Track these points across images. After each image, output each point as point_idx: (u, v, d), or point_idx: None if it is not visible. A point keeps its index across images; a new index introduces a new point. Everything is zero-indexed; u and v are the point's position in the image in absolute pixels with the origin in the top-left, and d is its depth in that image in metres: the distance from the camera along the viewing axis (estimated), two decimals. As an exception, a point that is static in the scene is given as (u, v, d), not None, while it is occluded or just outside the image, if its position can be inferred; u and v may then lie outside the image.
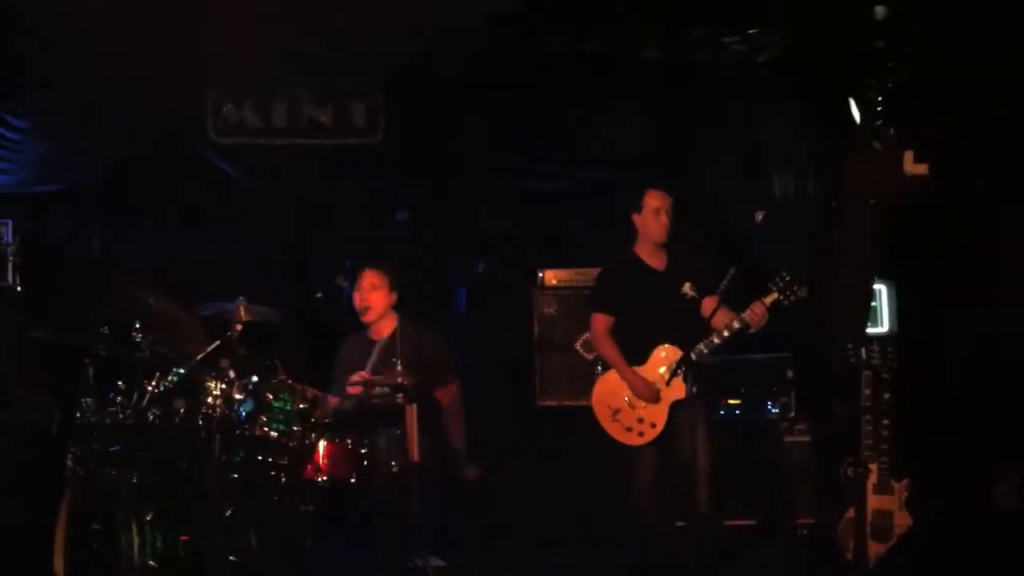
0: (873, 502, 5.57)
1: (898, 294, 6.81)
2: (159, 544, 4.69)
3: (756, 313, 5.14)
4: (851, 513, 5.58)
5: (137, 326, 5.04)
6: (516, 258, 6.88)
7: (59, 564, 4.85)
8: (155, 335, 5.09)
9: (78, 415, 5.00)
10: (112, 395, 5.00)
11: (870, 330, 6.63)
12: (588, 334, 6.49)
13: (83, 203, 6.70)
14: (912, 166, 6.27)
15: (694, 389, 5.16)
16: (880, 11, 6.23)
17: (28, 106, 6.46)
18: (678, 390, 5.21)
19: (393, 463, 5.12)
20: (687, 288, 5.26)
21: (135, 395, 4.97)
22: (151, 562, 4.65)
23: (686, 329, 5.24)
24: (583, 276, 6.65)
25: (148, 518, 4.69)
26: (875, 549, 5.55)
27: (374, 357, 5.40)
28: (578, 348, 6.60)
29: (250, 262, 6.78)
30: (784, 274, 5.19)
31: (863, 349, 5.60)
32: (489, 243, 6.97)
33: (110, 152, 6.57)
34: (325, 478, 5.07)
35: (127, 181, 6.69)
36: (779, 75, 6.87)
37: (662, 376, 5.25)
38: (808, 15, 6.40)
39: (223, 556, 4.74)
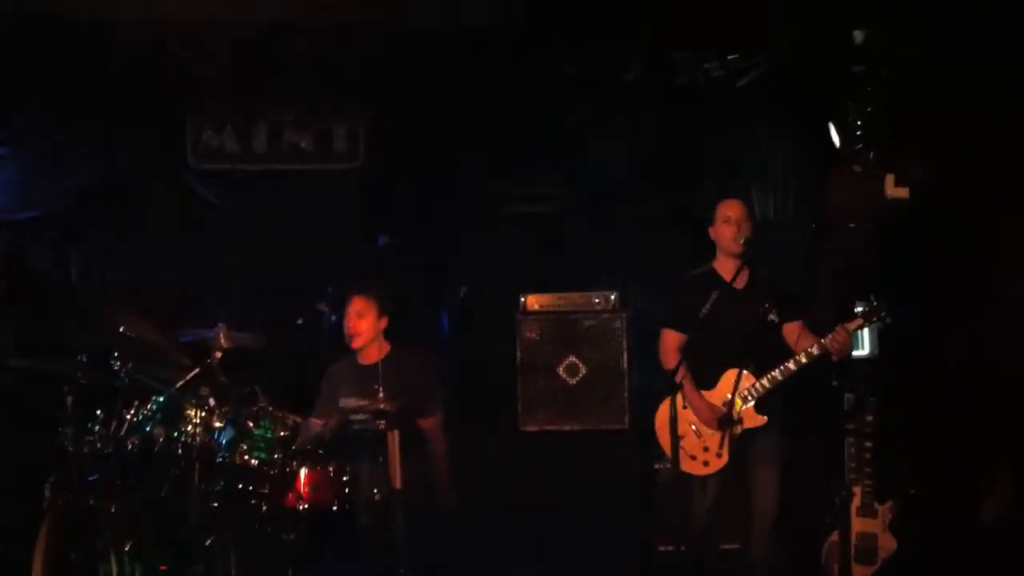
0: (857, 525, 5.56)
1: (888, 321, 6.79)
2: (138, 574, 4.62)
3: (838, 340, 4.97)
4: (835, 536, 5.57)
5: (116, 353, 4.99)
6: (500, 282, 6.86)
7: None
8: (134, 362, 5.05)
9: (56, 443, 4.94)
10: (91, 423, 4.95)
11: (853, 353, 6.61)
12: (572, 358, 6.54)
13: (63, 229, 6.66)
14: (893, 190, 6.28)
15: (766, 419, 4.97)
16: (858, 35, 6.25)
17: (5, 132, 6.41)
18: (749, 418, 5.01)
19: (376, 490, 5.07)
20: (766, 311, 5.02)
21: (114, 423, 4.92)
22: (130, 592, 4.59)
23: (761, 353, 5.02)
24: (565, 301, 6.64)
25: (127, 548, 4.64)
26: (859, 572, 5.53)
27: (359, 383, 5.36)
28: (560, 372, 6.59)
29: (231, 288, 6.74)
30: (872, 299, 5.04)
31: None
32: (472, 267, 6.95)
33: (89, 178, 6.53)
34: (307, 506, 5.02)
35: (107, 207, 6.66)
36: (759, 99, 6.89)
37: (731, 402, 5.00)
38: (787, 40, 6.42)
39: (202, 585, 4.69)
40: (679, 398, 4.92)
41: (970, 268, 6.39)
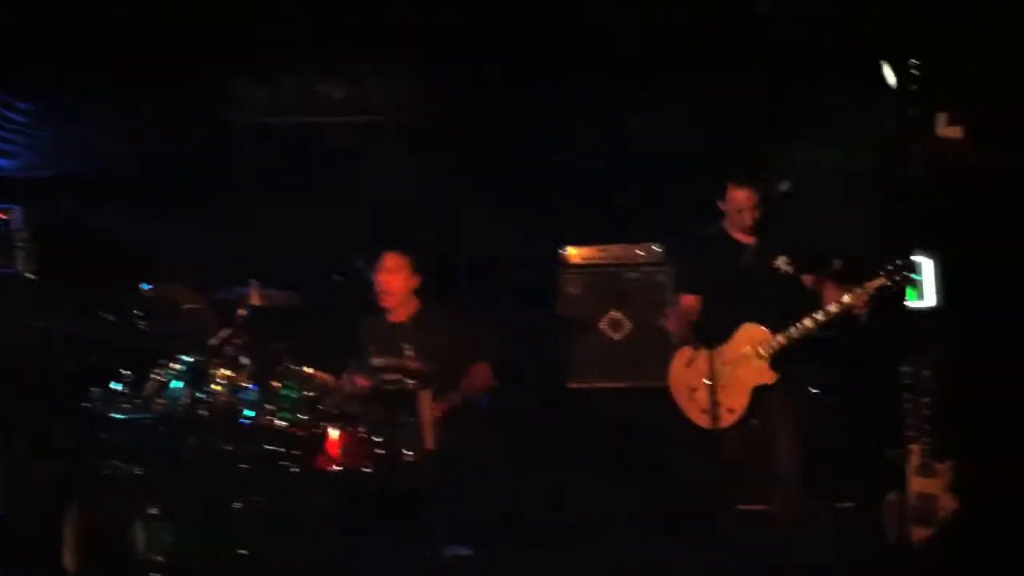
0: (916, 485, 5.31)
1: (943, 267, 6.52)
2: (166, 538, 4.53)
3: (860, 297, 4.83)
4: (893, 496, 5.33)
5: (142, 313, 4.89)
6: (540, 235, 6.66)
7: (69, 559, 4.74)
8: (162, 322, 4.94)
9: (84, 405, 4.86)
10: (118, 385, 4.85)
11: (914, 305, 6.34)
12: (614, 313, 6.34)
13: (94, 189, 6.56)
14: (945, 129, 5.96)
15: (782, 375, 4.83)
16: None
17: (34, 88, 6.32)
18: (762, 374, 4.88)
19: (408, 451, 4.93)
20: (781, 262, 4.90)
21: (141, 385, 4.82)
22: (158, 557, 4.49)
23: (777, 308, 4.90)
24: (607, 253, 6.44)
25: (155, 512, 4.54)
26: (919, 534, 5.30)
27: (390, 341, 5.22)
28: (603, 328, 6.38)
29: (265, 244, 6.62)
30: (898, 261, 4.88)
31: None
32: (512, 220, 6.75)
33: (119, 135, 6.43)
34: (338, 468, 4.89)
35: (139, 165, 6.55)
36: (810, 43, 6.58)
37: (746, 356, 4.91)
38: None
39: (232, 550, 4.57)
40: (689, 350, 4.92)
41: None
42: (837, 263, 4.88)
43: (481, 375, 5.44)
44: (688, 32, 6.36)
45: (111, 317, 4.96)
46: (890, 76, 6.17)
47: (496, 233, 6.61)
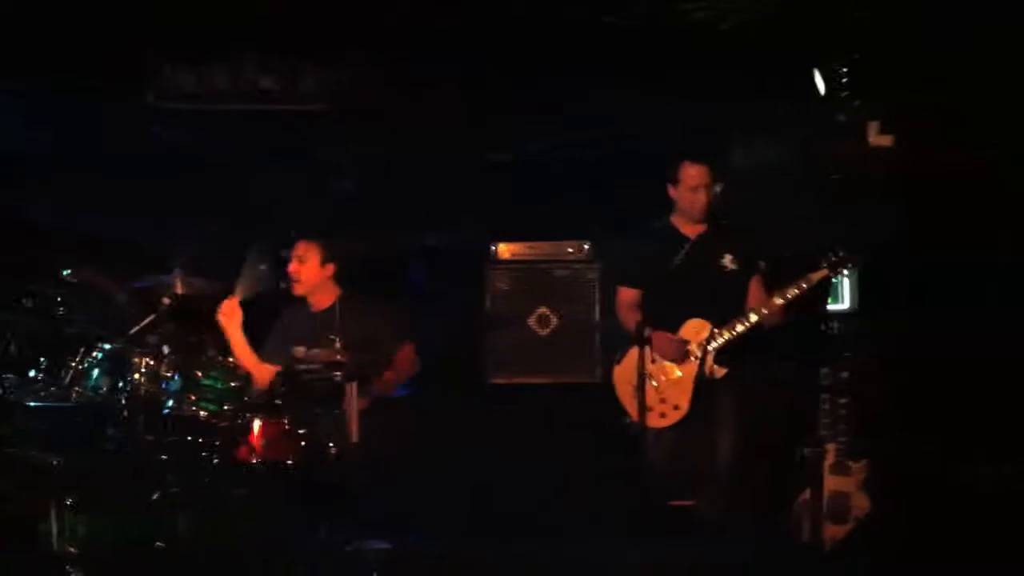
0: (830, 483, 5.41)
1: (861, 270, 6.64)
2: (81, 529, 4.46)
3: (801, 289, 4.88)
4: (806, 495, 5.43)
5: (60, 300, 4.80)
6: (469, 230, 6.66)
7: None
8: (80, 309, 4.85)
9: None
10: (35, 372, 4.76)
11: (831, 307, 6.46)
12: (543, 309, 6.38)
13: (14, 171, 6.41)
14: (877, 138, 6.08)
15: (725, 370, 4.86)
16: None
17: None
18: (706, 370, 4.90)
19: (332, 444, 4.91)
20: (727, 261, 4.96)
21: (59, 372, 4.74)
22: (71, 548, 4.41)
23: (722, 304, 4.92)
24: (538, 250, 6.47)
25: (70, 502, 4.46)
26: (831, 532, 5.40)
27: (309, 330, 5.19)
28: (531, 324, 6.41)
29: (190, 233, 6.54)
30: (839, 250, 4.93)
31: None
32: (441, 215, 6.75)
33: (42, 116, 6.29)
34: (260, 460, 4.85)
35: (62, 147, 6.41)
36: (742, 44, 6.66)
37: (690, 352, 4.91)
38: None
39: (149, 541, 4.51)
40: (643, 352, 4.80)
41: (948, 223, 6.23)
42: (763, 265, 4.92)
43: (407, 360, 5.45)
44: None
45: (29, 303, 4.84)
46: (820, 83, 6.26)
47: (426, 226, 6.62)
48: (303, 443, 4.94)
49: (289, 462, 4.91)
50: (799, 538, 5.40)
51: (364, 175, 6.55)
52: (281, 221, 6.31)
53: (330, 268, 5.41)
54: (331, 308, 5.27)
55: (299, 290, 5.40)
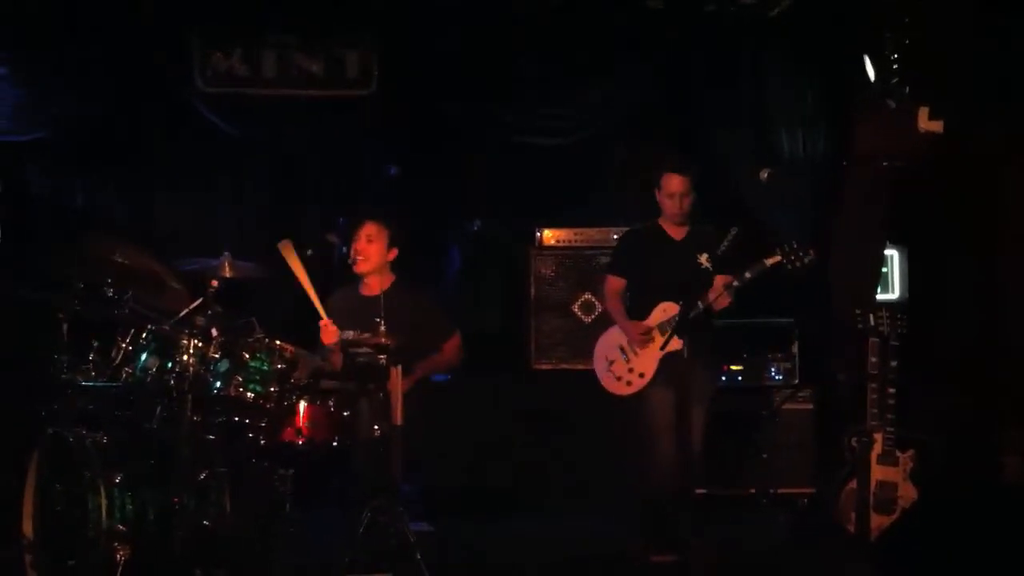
0: (877, 473, 5.37)
1: (910, 260, 6.58)
2: (128, 507, 4.50)
3: (748, 275, 5.15)
4: (853, 484, 5.38)
5: (110, 282, 4.84)
6: (514, 216, 6.65)
7: (28, 526, 4.71)
8: (130, 292, 4.89)
9: (50, 374, 4.82)
10: (85, 354, 4.81)
11: (880, 296, 6.40)
12: (587, 295, 6.38)
13: (64, 155, 6.49)
14: (927, 123, 6.00)
15: (690, 345, 5.13)
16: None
17: (4, 51, 6.22)
18: (673, 344, 5.18)
19: (376, 427, 4.91)
20: (704, 260, 5.28)
21: (109, 354, 4.78)
22: (120, 526, 4.45)
23: (695, 294, 5.20)
24: (582, 236, 6.46)
25: (117, 480, 4.50)
26: (877, 521, 5.36)
27: (361, 313, 5.20)
28: (576, 310, 6.40)
29: (238, 217, 6.59)
30: (794, 243, 5.16)
31: (871, 315, 5.41)
32: (486, 200, 6.74)
33: (91, 101, 6.35)
34: (305, 441, 4.88)
35: (111, 132, 6.47)
36: (790, 30, 6.60)
37: (657, 328, 5.28)
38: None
39: (195, 520, 4.55)
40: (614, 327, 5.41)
41: (994, 213, 6.15)
42: (725, 244, 5.14)
43: (452, 349, 5.46)
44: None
45: (81, 285, 4.89)
46: (870, 69, 6.20)
47: (472, 213, 6.62)
48: (347, 425, 4.95)
49: (334, 444, 4.93)
50: (845, 527, 5.36)
51: (408, 160, 6.53)
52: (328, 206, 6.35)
53: (394, 252, 5.41)
54: (384, 294, 5.25)
55: (363, 267, 5.37)
